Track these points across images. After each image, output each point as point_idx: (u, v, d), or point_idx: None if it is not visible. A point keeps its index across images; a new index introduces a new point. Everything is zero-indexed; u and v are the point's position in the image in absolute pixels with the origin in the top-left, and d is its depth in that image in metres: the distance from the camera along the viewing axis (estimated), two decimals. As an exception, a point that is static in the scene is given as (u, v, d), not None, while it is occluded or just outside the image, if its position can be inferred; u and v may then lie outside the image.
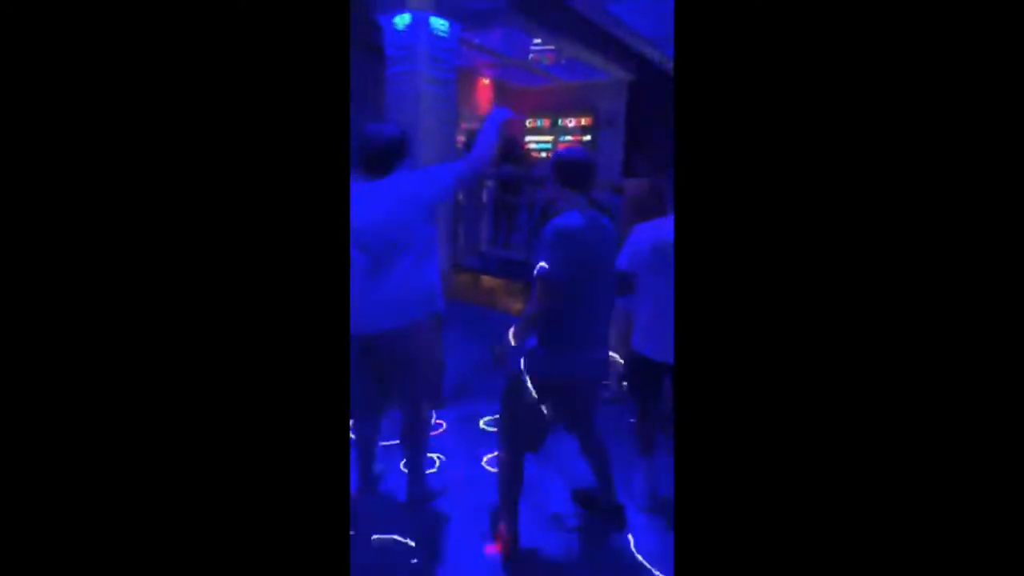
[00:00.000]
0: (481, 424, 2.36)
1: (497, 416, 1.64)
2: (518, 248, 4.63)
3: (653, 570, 1.59)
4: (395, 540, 1.67)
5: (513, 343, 1.53)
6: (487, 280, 4.32)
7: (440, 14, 3.81)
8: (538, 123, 7.78)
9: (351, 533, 1.69)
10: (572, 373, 1.55)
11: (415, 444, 1.81)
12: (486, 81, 7.20)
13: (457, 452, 2.19)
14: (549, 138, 7.67)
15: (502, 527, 1.65)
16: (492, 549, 1.64)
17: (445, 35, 3.88)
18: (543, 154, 7.32)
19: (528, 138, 7.70)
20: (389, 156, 1.64)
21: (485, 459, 2.03)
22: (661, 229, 1.71)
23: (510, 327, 1.53)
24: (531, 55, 6.06)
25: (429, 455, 2.00)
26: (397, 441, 1.89)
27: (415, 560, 1.60)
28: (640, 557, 1.64)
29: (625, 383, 2.61)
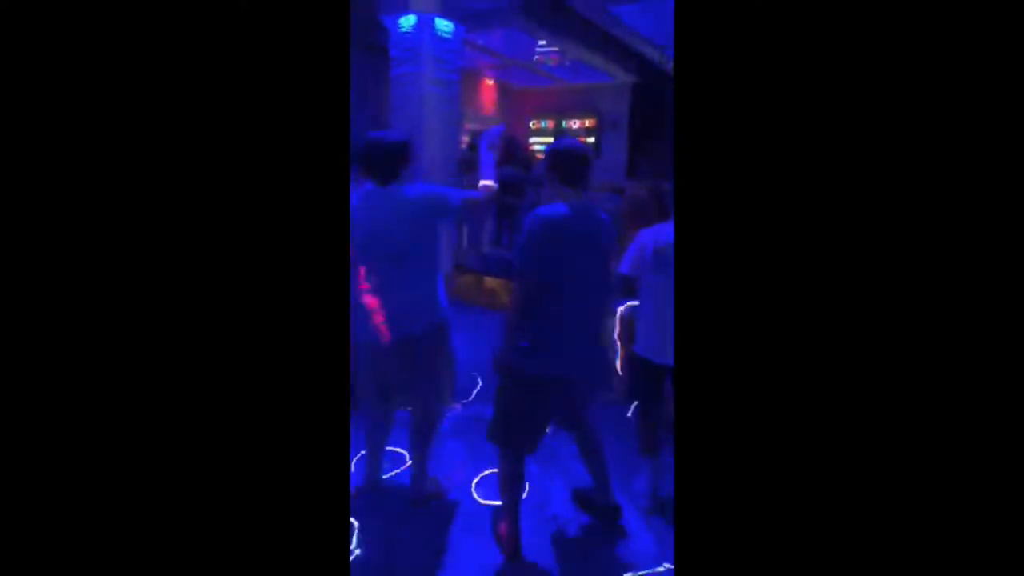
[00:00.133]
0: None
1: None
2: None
3: (654, 570, 1.59)
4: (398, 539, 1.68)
5: (502, 340, 1.51)
6: (489, 281, 4.33)
7: (444, 15, 3.82)
8: (542, 124, 7.79)
9: (356, 529, 1.70)
10: (562, 370, 1.51)
11: (423, 445, 1.81)
12: (490, 82, 7.21)
13: (460, 453, 2.19)
14: (552, 140, 7.66)
15: (503, 527, 1.65)
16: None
17: (449, 36, 3.89)
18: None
19: (532, 139, 7.70)
20: (392, 163, 1.63)
21: (475, 481, 2.02)
22: (662, 232, 1.71)
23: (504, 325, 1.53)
24: (535, 56, 6.06)
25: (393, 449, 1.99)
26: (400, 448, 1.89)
27: (417, 559, 1.60)
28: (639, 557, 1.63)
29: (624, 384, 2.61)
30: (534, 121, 7.80)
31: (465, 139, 5.41)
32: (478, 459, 2.10)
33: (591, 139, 7.38)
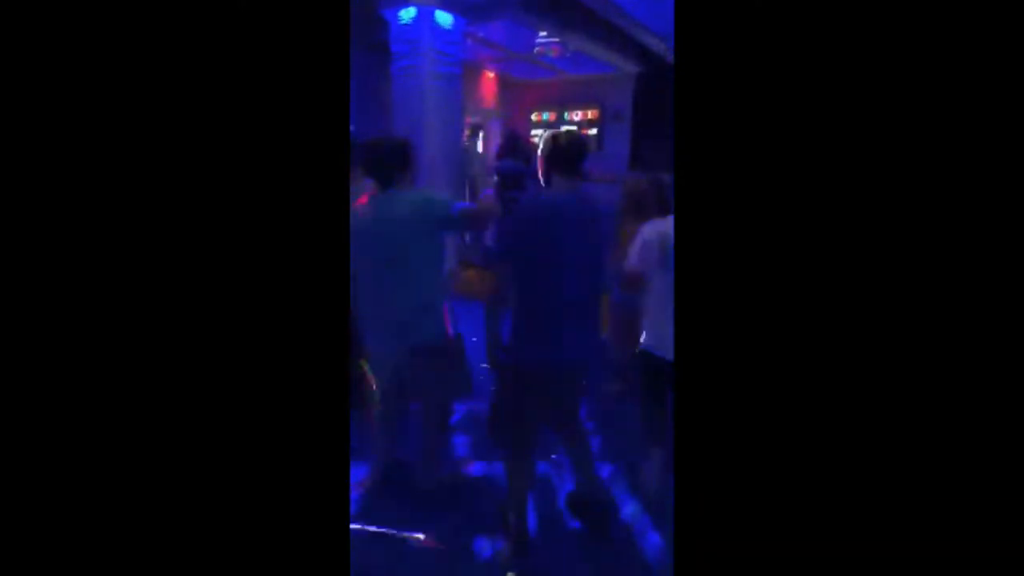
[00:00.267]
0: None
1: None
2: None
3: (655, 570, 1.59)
4: (404, 536, 1.68)
5: (487, 330, 1.49)
6: (491, 275, 4.30)
7: (444, 7, 3.79)
8: (543, 117, 7.74)
9: (367, 526, 1.70)
10: (550, 363, 1.48)
11: (434, 435, 1.81)
12: (491, 75, 7.16)
13: (470, 444, 2.19)
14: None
15: (510, 519, 1.65)
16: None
17: (450, 28, 3.86)
18: (548, 148, 7.26)
19: (533, 132, 7.66)
20: (391, 167, 1.61)
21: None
22: (671, 226, 1.69)
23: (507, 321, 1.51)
24: (536, 48, 6.01)
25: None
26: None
27: (426, 549, 1.60)
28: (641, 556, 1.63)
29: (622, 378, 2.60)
30: (535, 113, 7.76)
31: (467, 132, 5.38)
32: (488, 450, 2.10)
33: (593, 131, 7.33)
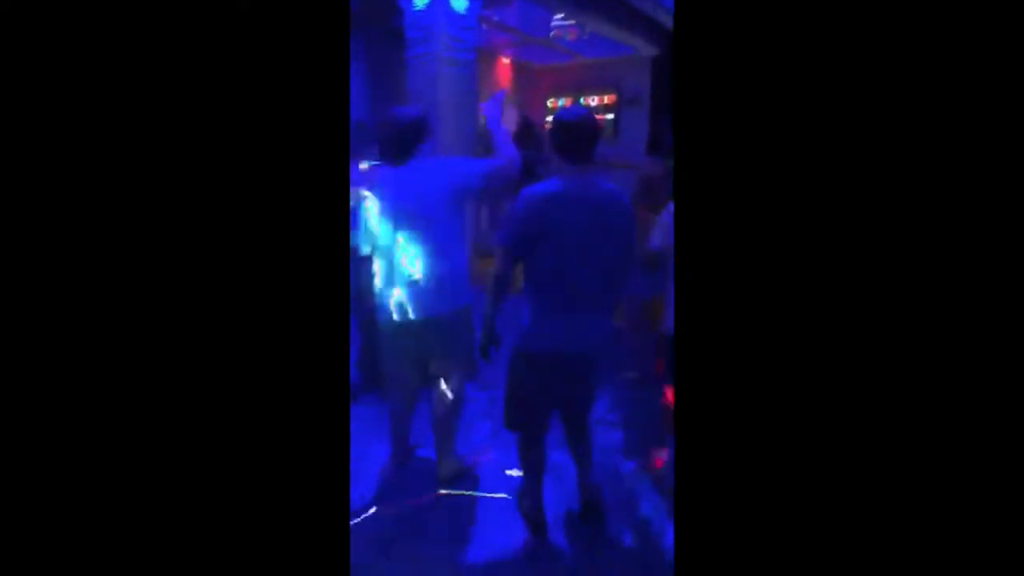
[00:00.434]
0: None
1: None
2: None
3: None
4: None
5: (484, 321, 1.48)
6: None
7: (459, -8, 3.73)
8: (559, 103, 7.63)
9: (382, 507, 1.73)
10: (561, 355, 1.46)
11: (447, 425, 1.83)
12: (506, 61, 7.07)
13: (482, 433, 2.21)
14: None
15: (527, 503, 1.66)
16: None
17: (464, 14, 3.81)
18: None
19: (549, 118, 7.56)
20: (411, 139, 1.62)
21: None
22: None
23: (521, 308, 1.50)
24: (552, 31, 5.91)
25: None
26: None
27: (444, 537, 1.63)
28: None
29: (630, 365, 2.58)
30: (551, 99, 7.65)
31: (481, 119, 5.34)
32: (504, 438, 2.12)
33: (610, 115, 7.21)
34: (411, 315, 1.66)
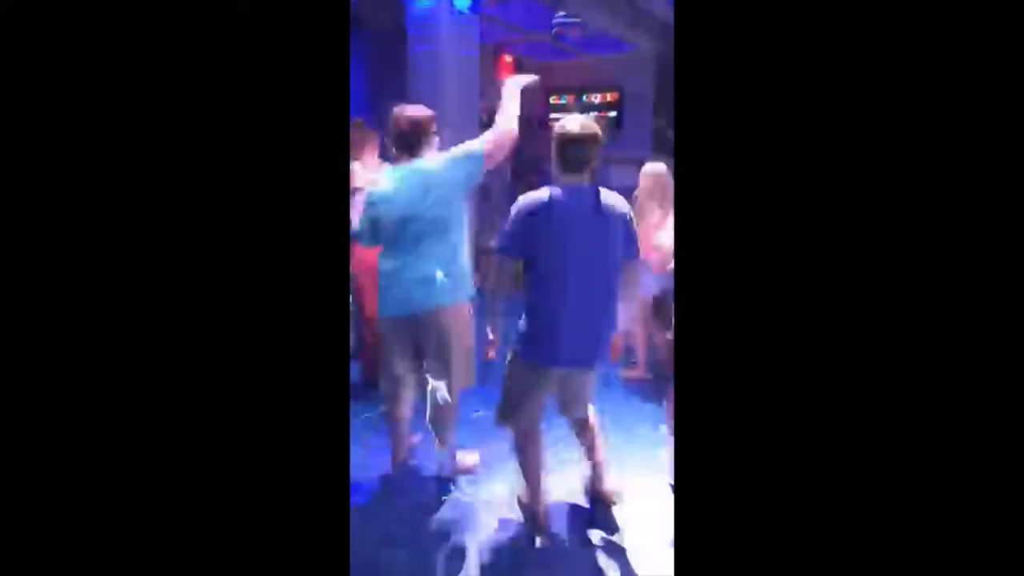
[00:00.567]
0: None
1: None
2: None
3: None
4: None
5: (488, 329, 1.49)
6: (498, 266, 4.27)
7: (462, -11, 3.73)
8: (562, 100, 7.61)
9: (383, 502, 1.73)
10: (558, 355, 1.47)
11: (445, 423, 1.83)
12: (509, 58, 7.06)
13: (483, 434, 2.21)
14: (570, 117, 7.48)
15: (526, 500, 1.66)
16: None
17: (467, 12, 3.80)
18: (567, 132, 7.14)
19: (552, 115, 7.54)
20: (416, 137, 1.63)
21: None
22: None
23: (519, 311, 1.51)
24: (555, 29, 5.89)
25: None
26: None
27: (443, 535, 1.63)
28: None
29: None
30: (554, 97, 7.63)
31: (484, 117, 5.34)
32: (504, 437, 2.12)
33: (613, 113, 7.18)
34: (412, 309, 1.66)
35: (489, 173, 1.68)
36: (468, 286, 1.73)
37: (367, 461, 1.97)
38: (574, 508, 1.76)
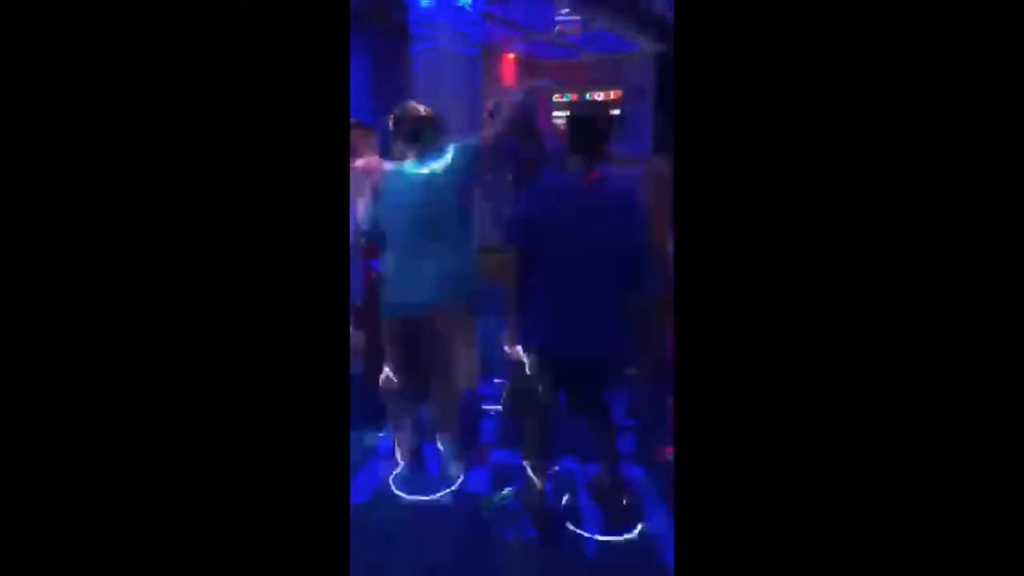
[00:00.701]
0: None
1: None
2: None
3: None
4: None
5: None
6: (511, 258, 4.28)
7: (464, -13, 3.72)
8: (564, 98, 7.60)
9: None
10: (567, 350, 1.44)
11: (447, 423, 1.83)
12: (511, 57, 7.04)
13: (487, 433, 2.21)
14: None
15: (533, 499, 1.66)
16: None
17: (469, 9, 3.80)
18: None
19: (555, 114, 7.53)
20: (417, 135, 1.63)
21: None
22: None
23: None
24: (557, 27, 5.88)
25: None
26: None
27: (451, 535, 1.63)
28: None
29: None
30: (556, 95, 7.61)
31: (486, 115, 5.33)
32: (512, 437, 2.12)
33: (616, 111, 7.17)
34: (414, 309, 1.66)
35: (490, 172, 1.68)
36: (471, 285, 1.73)
37: (367, 461, 1.97)
38: (583, 506, 1.76)
